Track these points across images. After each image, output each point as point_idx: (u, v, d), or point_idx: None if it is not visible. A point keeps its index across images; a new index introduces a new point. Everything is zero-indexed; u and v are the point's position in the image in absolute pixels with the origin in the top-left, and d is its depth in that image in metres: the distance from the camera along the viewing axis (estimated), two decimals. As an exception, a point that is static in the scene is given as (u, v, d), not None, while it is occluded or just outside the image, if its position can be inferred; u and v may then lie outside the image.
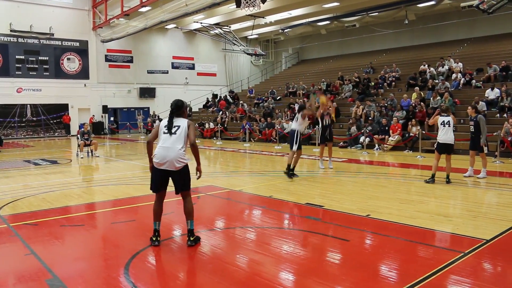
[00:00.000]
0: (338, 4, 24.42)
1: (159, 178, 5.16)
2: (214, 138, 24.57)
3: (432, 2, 24.48)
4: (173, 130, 5.14)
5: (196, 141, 5.16)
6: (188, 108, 5.77)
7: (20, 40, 28.17)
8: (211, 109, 30.76)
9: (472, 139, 10.09)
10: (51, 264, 4.69)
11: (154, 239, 5.21)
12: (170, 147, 5.06)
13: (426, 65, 21.93)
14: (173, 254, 4.94)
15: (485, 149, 9.77)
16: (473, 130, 9.93)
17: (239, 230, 6.02)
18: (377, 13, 27.35)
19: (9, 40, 27.79)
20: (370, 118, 18.39)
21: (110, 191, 9.28)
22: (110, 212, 7.47)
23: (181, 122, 5.19)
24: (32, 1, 28.34)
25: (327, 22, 30.43)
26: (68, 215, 7.12)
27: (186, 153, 5.12)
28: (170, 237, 5.65)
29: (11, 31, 27.65)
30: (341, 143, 18.13)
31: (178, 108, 5.24)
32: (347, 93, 23.04)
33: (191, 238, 5.21)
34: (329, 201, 7.66)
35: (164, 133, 5.17)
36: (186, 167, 5.16)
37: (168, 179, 5.21)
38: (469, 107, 10.23)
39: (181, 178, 5.16)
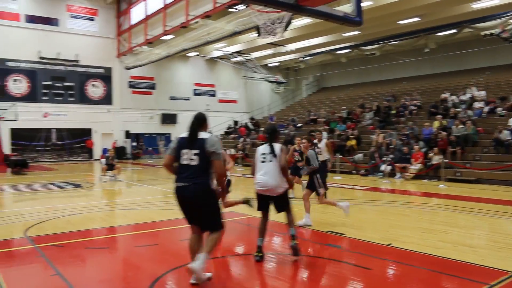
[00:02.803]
0: (358, 32, 24.59)
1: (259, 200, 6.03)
2: (236, 164, 24.66)
3: (453, 31, 24.48)
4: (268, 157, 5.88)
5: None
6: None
7: (47, 66, 29.10)
8: (232, 135, 31.02)
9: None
10: (76, 285, 4.77)
11: (255, 254, 5.63)
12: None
13: (448, 94, 21.80)
14: (195, 278, 4.96)
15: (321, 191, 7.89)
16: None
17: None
18: (397, 42, 27.46)
19: (37, 67, 28.78)
20: (391, 146, 18.28)
21: (133, 215, 9.40)
22: (133, 236, 7.56)
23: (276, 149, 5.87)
24: (60, 29, 29.43)
25: (347, 50, 30.67)
26: (92, 237, 7.25)
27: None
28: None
29: (39, 58, 28.67)
30: (363, 171, 18.03)
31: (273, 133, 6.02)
32: (368, 121, 23.03)
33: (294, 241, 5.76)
34: (350, 229, 7.60)
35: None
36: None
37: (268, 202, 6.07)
38: (304, 140, 8.74)
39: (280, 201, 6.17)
